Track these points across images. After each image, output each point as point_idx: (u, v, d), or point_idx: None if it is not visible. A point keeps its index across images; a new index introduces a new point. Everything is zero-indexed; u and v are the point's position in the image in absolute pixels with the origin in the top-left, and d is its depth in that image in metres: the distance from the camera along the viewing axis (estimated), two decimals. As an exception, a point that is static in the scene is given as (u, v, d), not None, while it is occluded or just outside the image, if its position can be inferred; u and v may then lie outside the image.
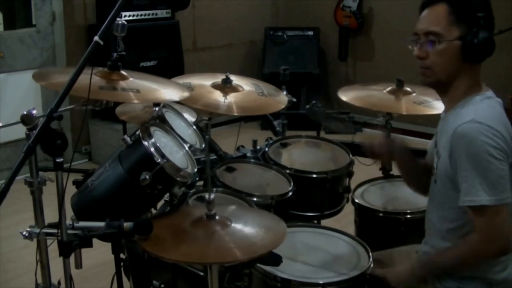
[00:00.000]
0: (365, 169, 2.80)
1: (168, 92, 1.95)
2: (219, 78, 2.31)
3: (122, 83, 1.82)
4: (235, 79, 2.33)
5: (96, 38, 1.53)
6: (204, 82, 2.30)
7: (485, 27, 1.68)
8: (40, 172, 1.65)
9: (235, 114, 2.19)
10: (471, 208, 1.65)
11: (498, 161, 1.61)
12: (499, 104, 1.74)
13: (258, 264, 1.83)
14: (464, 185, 1.65)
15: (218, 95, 2.22)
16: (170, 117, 2.11)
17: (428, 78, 1.76)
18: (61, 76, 1.79)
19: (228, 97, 2.21)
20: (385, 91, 2.60)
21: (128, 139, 1.83)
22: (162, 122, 1.98)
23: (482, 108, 1.69)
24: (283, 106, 2.37)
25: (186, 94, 1.95)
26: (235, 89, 2.29)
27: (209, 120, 2.30)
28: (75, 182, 2.00)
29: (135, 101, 2.00)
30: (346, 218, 2.65)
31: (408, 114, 2.53)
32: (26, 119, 1.56)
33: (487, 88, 1.78)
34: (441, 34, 1.70)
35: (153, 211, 2.13)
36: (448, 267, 1.76)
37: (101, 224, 1.62)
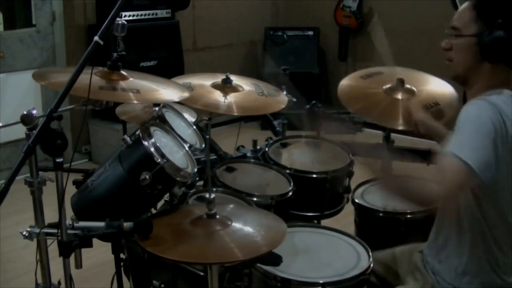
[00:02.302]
0: (365, 169, 2.80)
1: (168, 92, 1.95)
2: (219, 78, 2.31)
3: (122, 83, 1.82)
4: (235, 79, 2.32)
5: (96, 38, 1.53)
6: (204, 82, 2.30)
7: (504, 27, 1.67)
8: (40, 172, 1.65)
9: (235, 114, 2.19)
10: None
11: (486, 134, 1.60)
12: None
13: (258, 264, 1.83)
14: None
15: (218, 95, 2.22)
16: (170, 117, 2.11)
17: (450, 71, 1.81)
18: (61, 76, 1.79)
19: (228, 97, 2.20)
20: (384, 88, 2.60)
21: (128, 139, 1.83)
22: (162, 122, 1.98)
23: (498, 98, 1.68)
24: (283, 106, 2.37)
25: (186, 94, 1.94)
26: (235, 89, 2.29)
27: (209, 120, 2.29)
28: (75, 182, 2.00)
29: (135, 102, 1.99)
30: (346, 218, 2.65)
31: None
32: (26, 119, 1.56)
33: None
34: (459, 29, 1.74)
35: (153, 211, 2.13)
36: (393, 184, 1.74)
37: (101, 224, 1.62)
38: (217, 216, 1.68)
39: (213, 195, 1.68)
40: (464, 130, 1.63)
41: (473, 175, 1.57)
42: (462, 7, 1.77)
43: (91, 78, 1.62)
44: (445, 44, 1.79)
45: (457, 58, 1.77)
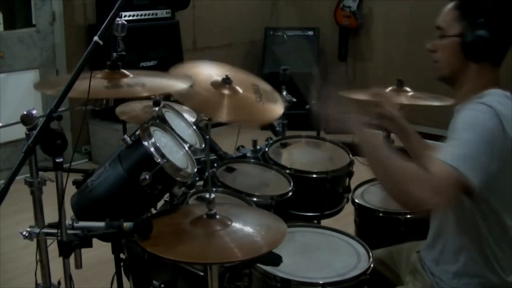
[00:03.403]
0: (365, 169, 2.80)
1: (173, 82, 1.93)
2: (220, 73, 2.22)
3: (126, 80, 1.82)
4: (236, 76, 2.25)
5: (95, 38, 1.53)
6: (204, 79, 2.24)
7: (488, 27, 1.66)
8: (40, 172, 1.65)
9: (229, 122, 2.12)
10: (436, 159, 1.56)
11: (486, 144, 1.56)
12: None
13: (258, 264, 1.83)
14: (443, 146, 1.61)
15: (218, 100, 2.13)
16: (170, 117, 2.11)
17: (437, 72, 1.78)
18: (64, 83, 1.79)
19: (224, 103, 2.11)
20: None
21: (128, 139, 1.83)
22: (162, 122, 1.98)
23: (497, 100, 1.66)
24: (279, 114, 2.26)
25: (190, 83, 1.92)
26: (233, 90, 2.25)
27: (209, 120, 2.29)
28: (75, 182, 2.00)
29: (144, 95, 1.96)
30: (346, 218, 2.65)
31: (409, 104, 2.51)
32: (26, 119, 1.56)
33: (507, 91, 1.75)
34: (444, 29, 1.72)
35: (153, 211, 2.13)
36: (377, 157, 1.63)
37: (101, 224, 1.62)
38: (217, 216, 1.68)
39: (213, 195, 1.68)
40: (463, 139, 1.58)
41: (472, 188, 1.54)
42: (447, 7, 1.75)
43: (91, 78, 1.62)
44: (431, 46, 1.77)
45: (442, 59, 1.75)
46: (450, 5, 1.73)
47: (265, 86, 2.25)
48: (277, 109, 2.10)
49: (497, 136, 1.58)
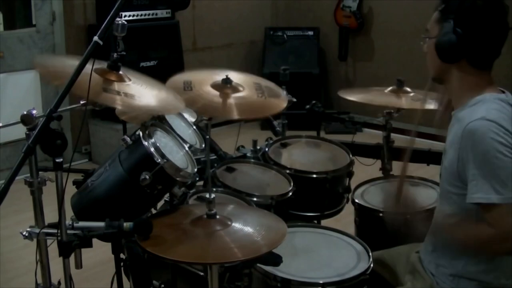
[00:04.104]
0: (365, 169, 2.81)
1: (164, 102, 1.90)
2: (219, 77, 2.26)
3: (117, 85, 1.78)
4: (236, 78, 2.27)
5: (95, 38, 1.53)
6: (205, 80, 2.25)
7: (459, 28, 1.65)
8: (40, 172, 1.65)
9: (235, 117, 2.16)
10: (481, 206, 1.61)
11: (508, 159, 1.58)
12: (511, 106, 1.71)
13: (258, 264, 1.83)
14: (473, 182, 1.62)
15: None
16: (170, 117, 2.11)
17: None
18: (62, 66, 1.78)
19: (227, 99, 2.14)
20: (385, 91, 2.61)
21: (128, 139, 1.83)
22: (162, 122, 1.98)
23: (494, 108, 1.66)
24: (283, 107, 2.33)
25: (180, 106, 1.90)
26: (235, 89, 2.26)
27: (209, 120, 2.29)
28: (75, 182, 1.99)
29: (118, 106, 1.91)
30: (346, 218, 2.65)
31: (409, 108, 2.52)
32: (26, 119, 1.57)
33: (502, 90, 1.76)
34: (428, 31, 1.75)
35: (153, 211, 2.13)
36: (453, 239, 1.75)
37: (101, 224, 1.62)
38: (217, 216, 1.68)
39: (213, 195, 1.68)
40: (489, 170, 1.59)
41: None
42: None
43: (91, 77, 1.61)
44: (423, 48, 1.80)
45: (428, 61, 1.78)
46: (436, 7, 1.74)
47: (266, 83, 2.28)
48: (281, 102, 2.22)
49: (510, 146, 1.60)
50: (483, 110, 1.65)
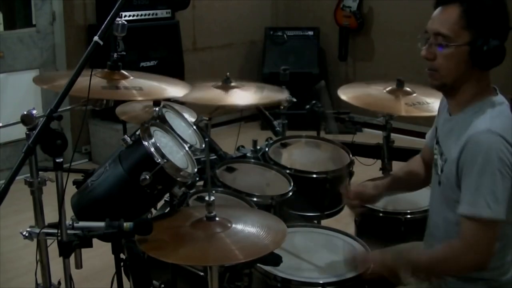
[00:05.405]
0: (365, 169, 2.81)
1: (171, 89, 1.94)
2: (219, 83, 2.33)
3: (124, 82, 1.82)
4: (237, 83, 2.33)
5: (95, 38, 1.53)
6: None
7: (497, 34, 1.64)
8: (40, 172, 1.65)
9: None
10: (467, 217, 1.62)
11: (505, 179, 1.59)
12: (509, 109, 1.71)
13: (258, 264, 1.83)
14: (467, 193, 1.62)
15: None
16: (170, 117, 2.11)
17: (435, 80, 1.73)
18: (63, 79, 1.80)
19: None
20: (384, 91, 2.60)
21: (128, 139, 1.83)
22: (162, 122, 1.98)
23: (497, 116, 1.65)
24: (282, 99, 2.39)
25: (187, 90, 1.93)
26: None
27: (209, 120, 2.30)
28: (75, 182, 2.00)
29: (139, 99, 1.99)
30: (346, 218, 2.64)
31: (407, 115, 2.53)
32: (26, 119, 1.56)
33: (497, 91, 1.75)
34: (450, 38, 1.66)
35: (153, 211, 2.13)
36: (421, 267, 1.75)
37: (101, 224, 1.62)
38: (217, 218, 1.68)
39: (212, 198, 1.68)
40: (486, 185, 1.59)
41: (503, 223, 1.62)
42: (447, 13, 1.67)
43: (90, 78, 1.62)
44: (429, 54, 1.70)
45: (445, 67, 1.69)
46: (452, 12, 1.66)
47: (265, 85, 2.35)
48: (281, 94, 2.51)
49: (510, 163, 1.60)
50: (487, 120, 1.64)
